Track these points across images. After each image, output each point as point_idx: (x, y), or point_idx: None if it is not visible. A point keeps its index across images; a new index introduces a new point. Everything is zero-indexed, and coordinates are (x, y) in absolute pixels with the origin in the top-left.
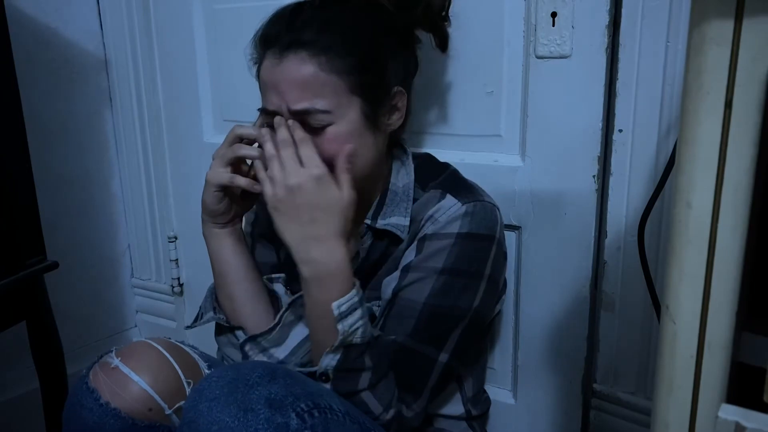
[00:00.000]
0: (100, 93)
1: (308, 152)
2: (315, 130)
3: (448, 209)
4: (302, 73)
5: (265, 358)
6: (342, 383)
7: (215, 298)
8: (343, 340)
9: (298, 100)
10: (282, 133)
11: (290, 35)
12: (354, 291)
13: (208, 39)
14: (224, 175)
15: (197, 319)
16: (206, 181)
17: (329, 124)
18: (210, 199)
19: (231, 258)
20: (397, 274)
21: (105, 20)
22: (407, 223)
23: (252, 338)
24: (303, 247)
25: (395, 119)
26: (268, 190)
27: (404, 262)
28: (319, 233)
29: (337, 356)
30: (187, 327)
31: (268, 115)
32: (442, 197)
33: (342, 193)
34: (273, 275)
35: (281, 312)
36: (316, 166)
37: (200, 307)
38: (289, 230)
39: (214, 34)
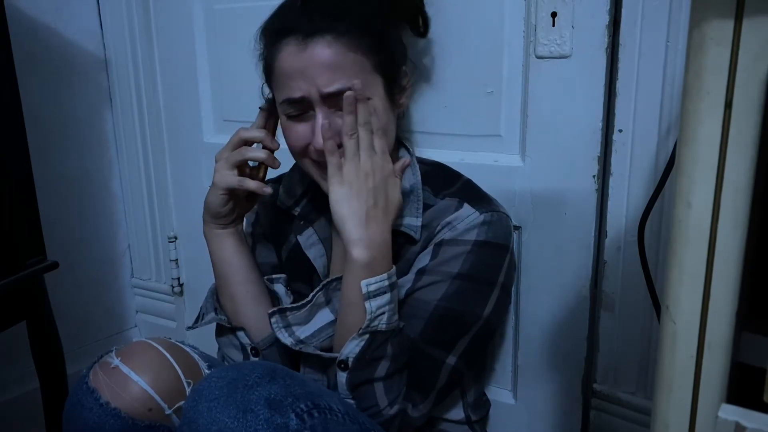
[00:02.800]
0: (100, 93)
1: (382, 146)
2: None
3: (466, 217)
4: (331, 54)
5: (287, 335)
6: (359, 372)
7: (216, 299)
8: (369, 322)
9: (331, 82)
10: (350, 119)
11: (310, 22)
12: (386, 275)
13: (208, 39)
14: (233, 179)
15: (198, 320)
16: (213, 184)
17: (362, 103)
18: (216, 201)
19: (233, 259)
20: (410, 276)
21: (105, 20)
22: (419, 224)
23: (281, 311)
24: (360, 223)
25: (404, 99)
26: (334, 162)
27: (418, 265)
28: (378, 215)
29: (362, 343)
30: (189, 328)
31: (292, 105)
32: (459, 206)
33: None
34: (273, 276)
35: (315, 291)
36: (390, 162)
37: (201, 308)
38: (350, 204)
39: (214, 34)
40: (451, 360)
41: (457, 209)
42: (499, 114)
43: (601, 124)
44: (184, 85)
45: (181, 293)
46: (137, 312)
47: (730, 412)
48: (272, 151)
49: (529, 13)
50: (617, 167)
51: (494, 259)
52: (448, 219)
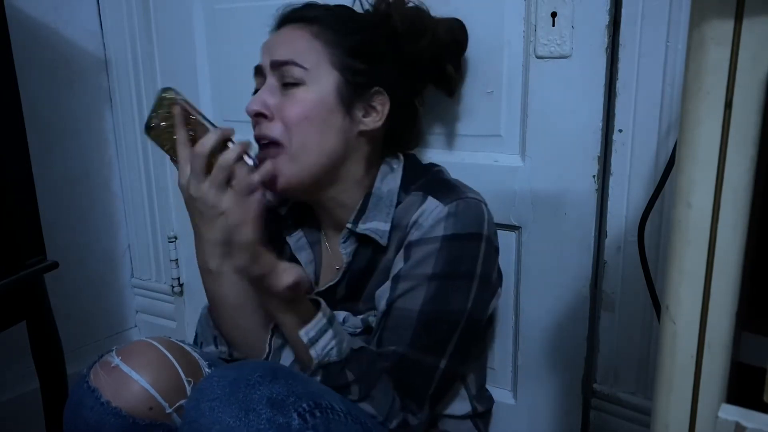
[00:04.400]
0: (100, 93)
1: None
2: (286, 88)
3: (431, 212)
4: (292, 34)
5: None
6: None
7: (213, 326)
8: (319, 364)
9: (281, 53)
10: (207, 141)
11: (293, 14)
12: (320, 314)
13: (208, 39)
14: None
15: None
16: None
17: (301, 83)
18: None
19: (235, 298)
20: (389, 284)
21: (105, 20)
22: (387, 229)
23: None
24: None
25: (370, 120)
26: (182, 173)
27: (394, 270)
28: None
29: (318, 378)
30: None
31: (258, 75)
32: (424, 200)
33: (222, 205)
34: None
35: (268, 339)
36: (248, 206)
37: (197, 334)
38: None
39: (214, 34)
40: (443, 363)
41: (421, 204)
42: (499, 114)
43: (601, 124)
44: (184, 85)
45: (181, 293)
46: (137, 312)
47: (730, 412)
48: (229, 139)
49: (529, 13)
50: (617, 167)
51: (467, 251)
52: (413, 217)
